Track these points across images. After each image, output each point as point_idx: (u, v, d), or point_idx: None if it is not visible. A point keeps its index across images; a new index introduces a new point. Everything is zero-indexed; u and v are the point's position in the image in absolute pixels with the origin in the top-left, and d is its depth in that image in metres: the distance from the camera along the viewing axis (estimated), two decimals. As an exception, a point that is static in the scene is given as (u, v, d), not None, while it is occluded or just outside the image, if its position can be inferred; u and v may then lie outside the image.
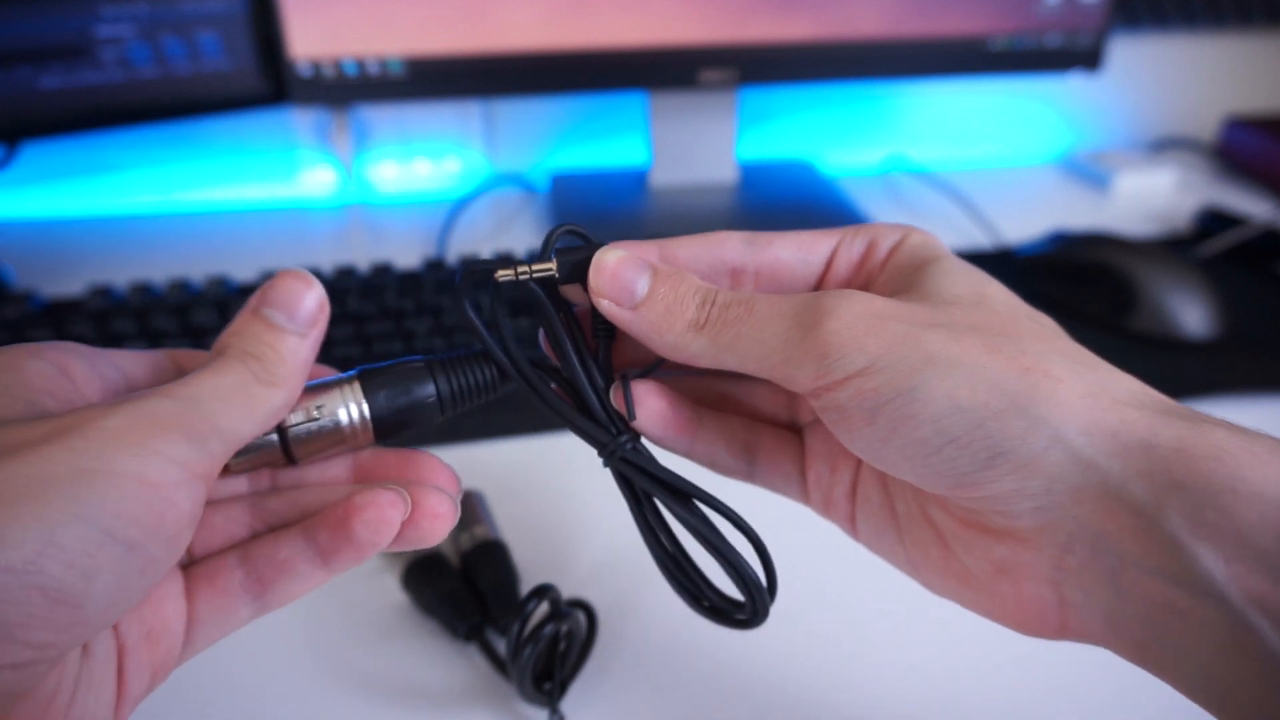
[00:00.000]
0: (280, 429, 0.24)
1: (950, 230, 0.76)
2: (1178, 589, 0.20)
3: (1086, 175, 0.91)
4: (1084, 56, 0.76)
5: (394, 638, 0.38)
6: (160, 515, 0.19)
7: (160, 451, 0.19)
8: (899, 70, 0.74)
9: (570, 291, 0.27)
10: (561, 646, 0.34)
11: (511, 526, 0.43)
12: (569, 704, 0.35)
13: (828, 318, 0.23)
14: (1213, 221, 0.76)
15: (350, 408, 0.25)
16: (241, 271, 0.63)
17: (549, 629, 0.33)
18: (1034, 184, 0.90)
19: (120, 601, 0.19)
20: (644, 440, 0.27)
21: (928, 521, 0.26)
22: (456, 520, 0.25)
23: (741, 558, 0.25)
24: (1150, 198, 0.86)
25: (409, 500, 0.24)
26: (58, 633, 0.18)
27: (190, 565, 0.24)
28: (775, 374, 0.24)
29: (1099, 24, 0.75)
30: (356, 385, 0.25)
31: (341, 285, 0.57)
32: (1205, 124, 0.99)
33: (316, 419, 0.24)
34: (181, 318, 0.54)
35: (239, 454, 0.24)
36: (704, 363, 0.25)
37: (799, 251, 0.27)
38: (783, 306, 0.24)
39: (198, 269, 0.66)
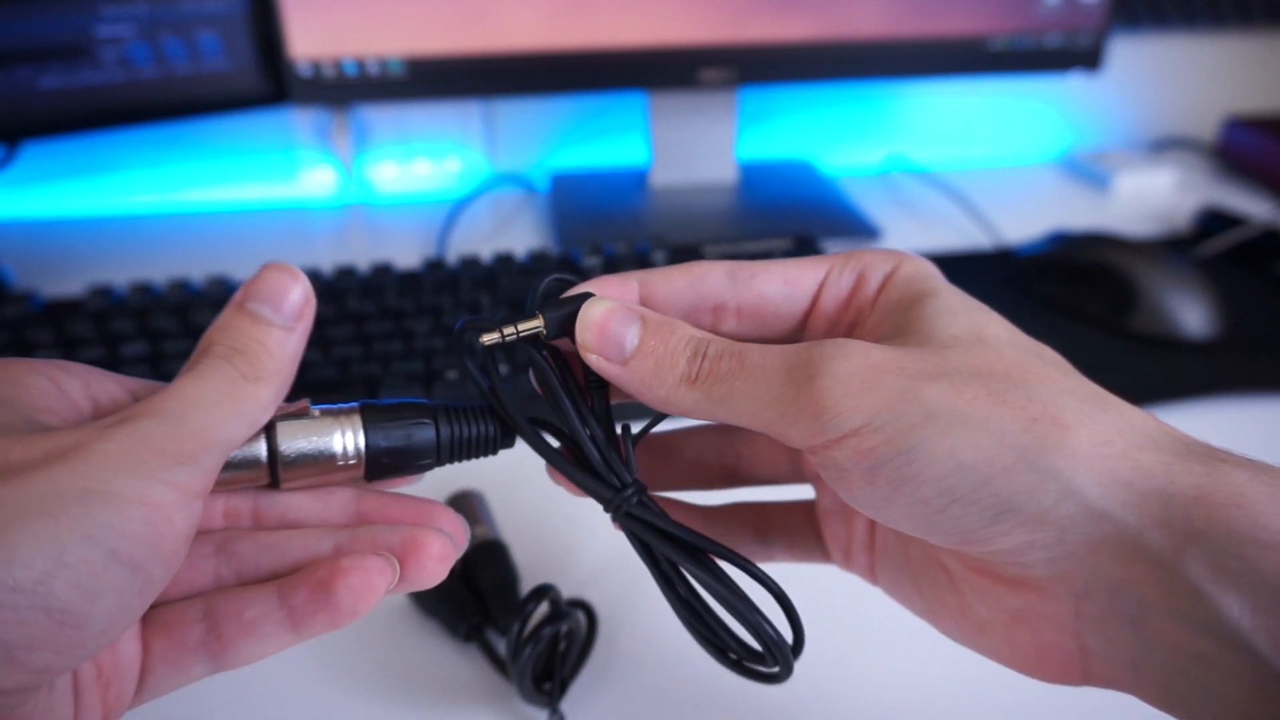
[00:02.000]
0: (271, 448, 0.23)
1: (950, 230, 0.76)
2: (1204, 637, 0.19)
3: (1086, 175, 0.91)
4: (1084, 56, 0.76)
5: (394, 638, 0.38)
6: (160, 535, 0.19)
7: (156, 476, 0.19)
8: (899, 70, 0.74)
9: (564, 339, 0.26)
10: (561, 646, 0.34)
11: (511, 526, 0.43)
12: (569, 704, 0.35)
13: (822, 373, 0.22)
14: (1213, 221, 0.76)
15: (346, 437, 0.24)
16: (241, 271, 0.63)
17: (549, 629, 0.33)
18: (1034, 184, 0.90)
19: (118, 623, 0.19)
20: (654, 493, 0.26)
21: (942, 569, 0.25)
22: (453, 563, 0.24)
23: (759, 616, 0.24)
24: (1150, 198, 0.86)
25: (397, 570, 0.23)
26: (57, 654, 0.18)
27: (149, 611, 0.22)
28: (770, 430, 0.23)
29: (1099, 24, 0.75)
30: (356, 417, 0.24)
31: (341, 285, 0.58)
32: (1205, 124, 0.99)
33: (310, 443, 0.23)
34: (181, 318, 0.54)
35: (224, 469, 0.23)
36: (698, 416, 0.24)
37: (783, 285, 0.26)
38: (775, 360, 0.23)
39: (198, 269, 0.66)
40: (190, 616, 0.22)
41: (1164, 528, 0.20)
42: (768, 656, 0.25)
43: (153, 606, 0.22)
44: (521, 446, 0.26)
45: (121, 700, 0.22)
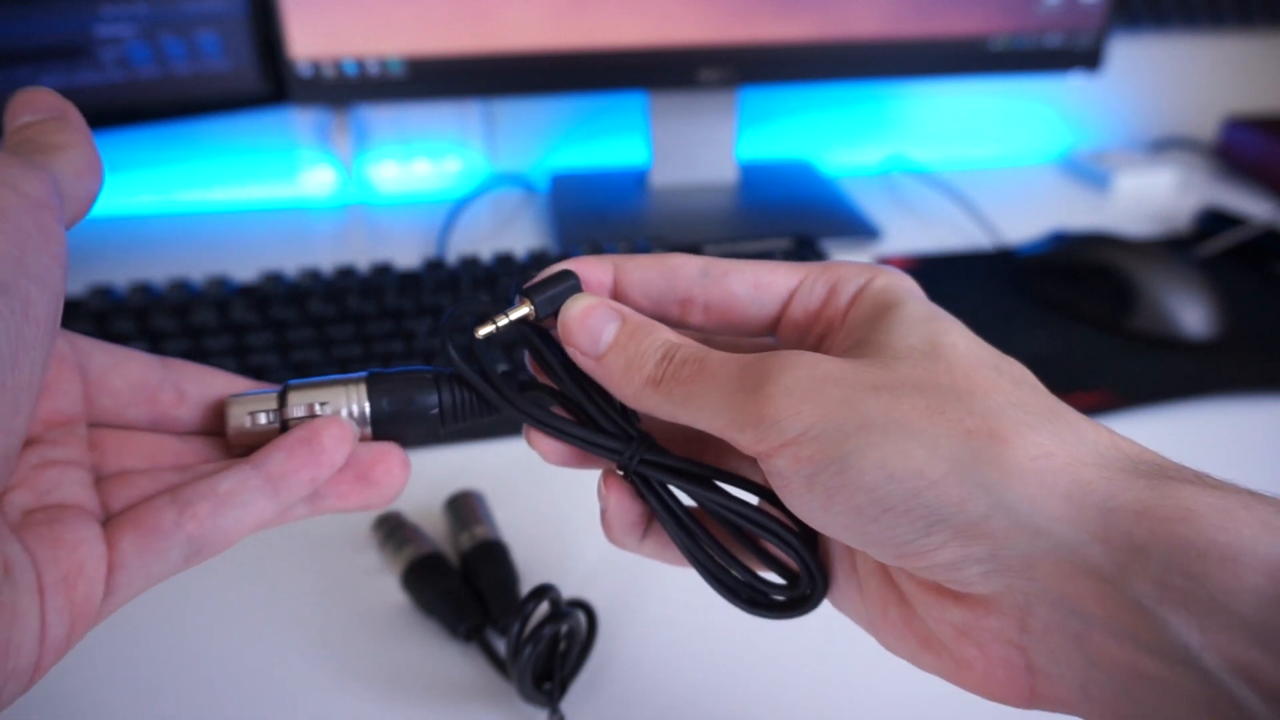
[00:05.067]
0: (283, 419, 0.24)
1: (950, 230, 0.76)
2: (1151, 656, 0.19)
3: (1086, 175, 0.91)
4: (1084, 56, 0.76)
5: (394, 638, 0.38)
6: (21, 246, 0.19)
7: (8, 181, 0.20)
8: (899, 70, 0.74)
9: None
10: (561, 646, 0.34)
11: (511, 526, 0.43)
12: (569, 704, 0.35)
13: (769, 382, 0.22)
14: (1213, 221, 0.76)
15: (353, 407, 0.25)
16: (241, 271, 0.63)
17: (549, 629, 0.33)
18: (1034, 184, 0.90)
19: (17, 359, 0.19)
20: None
21: (889, 581, 0.25)
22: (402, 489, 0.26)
23: (793, 534, 0.25)
24: (1150, 198, 0.86)
25: (355, 434, 0.25)
26: None
27: (110, 517, 0.23)
28: (724, 435, 0.23)
29: (1099, 24, 0.75)
30: (363, 386, 0.25)
31: (341, 285, 0.58)
32: (1205, 124, 0.99)
33: (318, 414, 0.25)
34: (181, 318, 0.54)
35: (239, 441, 0.25)
36: (663, 418, 0.24)
37: (754, 289, 0.26)
38: (731, 367, 0.23)
39: (198, 269, 0.66)
40: (159, 503, 0.23)
41: (1104, 543, 0.19)
42: (803, 576, 0.25)
43: (116, 499, 0.23)
44: (522, 448, 0.26)
45: (90, 602, 0.22)
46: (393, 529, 0.41)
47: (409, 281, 0.58)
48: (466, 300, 0.27)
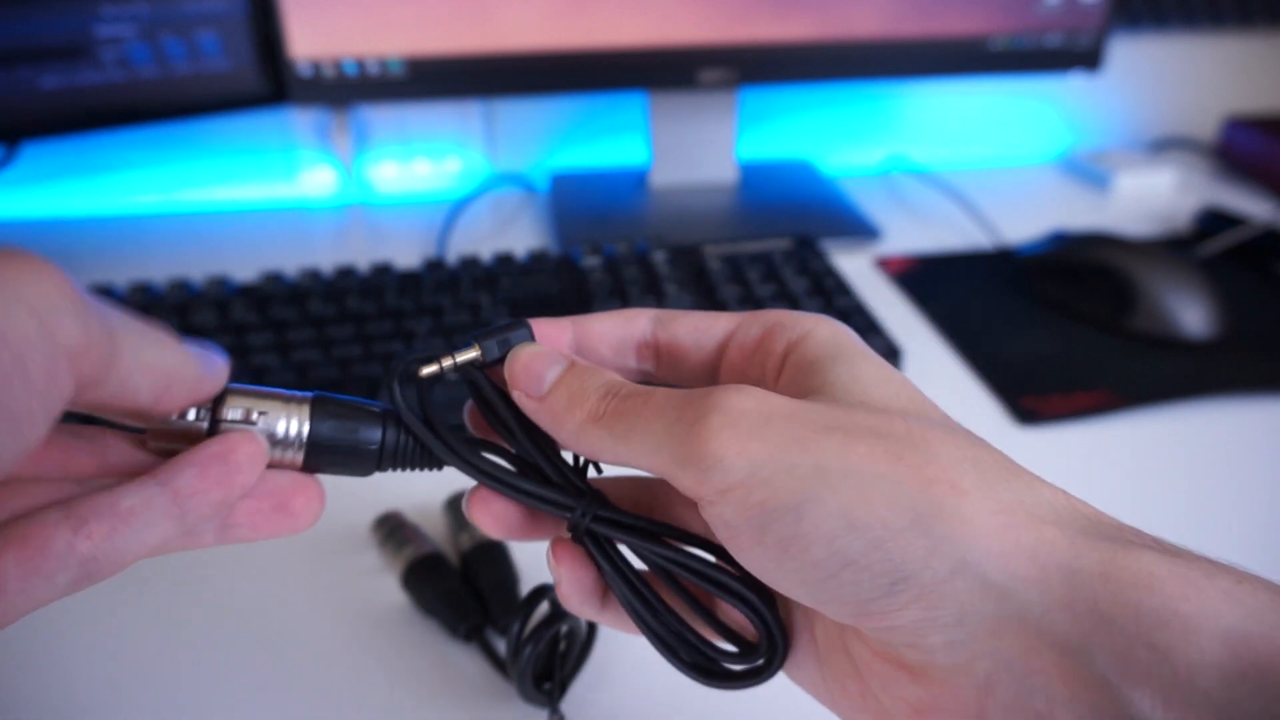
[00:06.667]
0: (214, 419, 0.23)
1: (950, 230, 0.77)
2: None
3: (1086, 175, 0.91)
4: (1084, 56, 0.76)
5: (394, 638, 0.38)
6: (8, 375, 0.17)
7: (20, 293, 0.17)
8: (899, 70, 0.74)
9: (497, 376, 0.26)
10: (561, 646, 0.34)
11: (511, 526, 0.43)
12: (569, 704, 0.35)
13: (711, 413, 0.21)
14: (1213, 221, 0.76)
15: (291, 424, 0.23)
16: (241, 271, 0.63)
17: (549, 629, 0.33)
18: (1034, 184, 0.90)
19: None
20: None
21: (846, 653, 0.23)
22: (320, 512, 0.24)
23: (756, 596, 0.24)
24: (1150, 198, 0.86)
25: (266, 451, 0.23)
26: None
27: None
28: (665, 474, 0.22)
29: (1099, 24, 0.75)
30: (306, 406, 0.24)
31: (341, 285, 0.58)
32: (1205, 124, 0.99)
33: (253, 422, 0.23)
34: (181, 318, 0.54)
35: (158, 434, 0.23)
36: (607, 458, 0.23)
37: (694, 333, 0.26)
38: (675, 399, 0.22)
39: (198, 269, 0.66)
40: (49, 519, 0.20)
41: (1068, 610, 0.19)
42: (762, 640, 0.24)
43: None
44: None
45: None
46: (393, 529, 0.41)
47: (409, 281, 0.58)
48: (418, 348, 0.26)
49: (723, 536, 0.22)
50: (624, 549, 0.25)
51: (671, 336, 0.26)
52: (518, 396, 0.24)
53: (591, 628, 0.36)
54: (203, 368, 0.22)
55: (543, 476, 0.25)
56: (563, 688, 0.34)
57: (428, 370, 0.24)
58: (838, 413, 0.21)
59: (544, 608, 0.33)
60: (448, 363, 0.25)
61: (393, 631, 0.38)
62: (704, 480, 0.21)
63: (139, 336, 0.21)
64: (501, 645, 0.36)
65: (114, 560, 0.20)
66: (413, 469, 0.26)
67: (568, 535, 0.26)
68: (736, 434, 0.20)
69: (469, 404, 0.26)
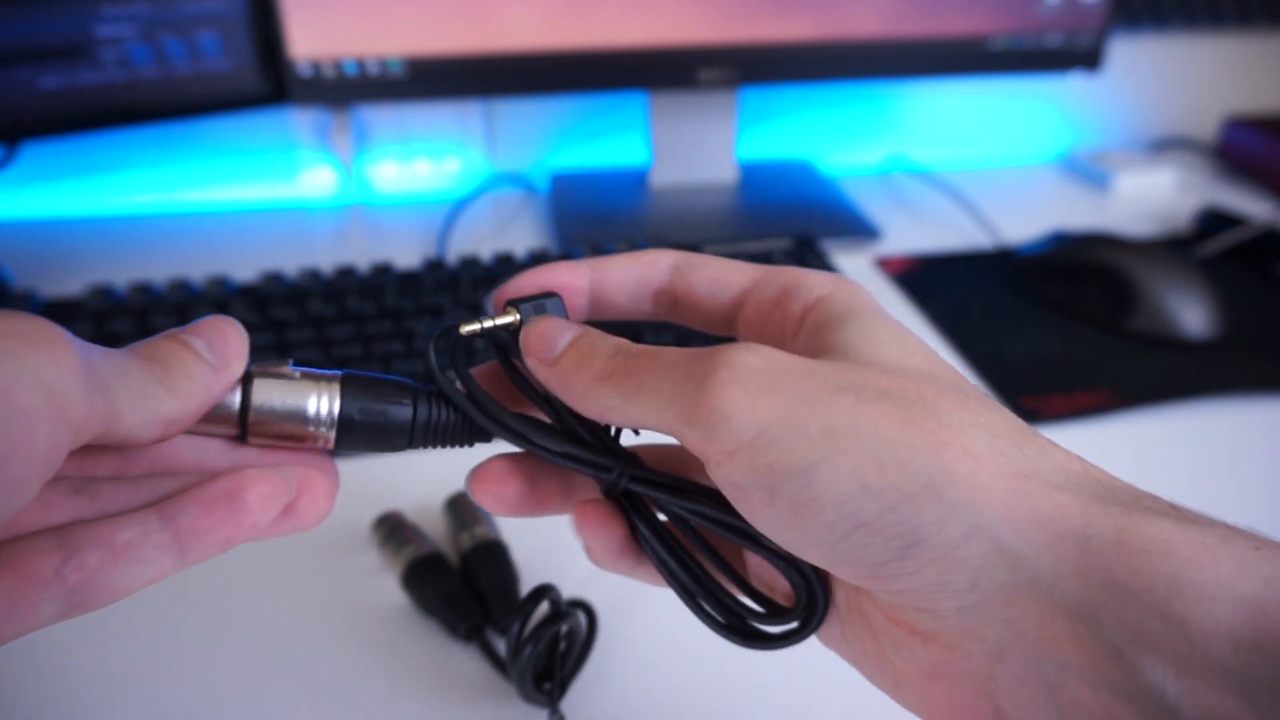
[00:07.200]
0: (244, 400, 0.22)
1: (950, 230, 0.76)
2: (1125, 704, 0.18)
3: (1086, 175, 0.91)
4: (1084, 56, 0.76)
5: (394, 638, 0.38)
6: (11, 444, 0.17)
7: (36, 371, 0.17)
8: (899, 70, 0.74)
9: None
10: (561, 646, 0.34)
11: (511, 526, 0.43)
12: (569, 704, 0.35)
13: (719, 370, 0.20)
14: (1213, 221, 0.76)
15: (322, 401, 0.23)
16: (241, 271, 0.63)
17: (549, 629, 0.33)
18: (1034, 184, 0.90)
19: None
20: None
21: (861, 614, 0.24)
22: (332, 505, 0.24)
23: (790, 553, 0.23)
24: (1150, 198, 0.86)
25: (293, 490, 0.22)
26: None
27: None
28: (674, 433, 0.22)
29: (1099, 24, 0.75)
30: (336, 384, 0.24)
31: (341, 285, 0.58)
32: (1205, 124, 0.99)
33: (284, 402, 0.23)
34: (181, 318, 0.54)
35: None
36: (617, 418, 0.23)
37: (711, 284, 0.26)
38: (684, 355, 0.22)
39: (198, 269, 0.66)
40: (42, 546, 0.19)
41: (1081, 577, 0.19)
42: (801, 599, 0.24)
43: None
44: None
45: None
46: (393, 529, 0.41)
47: (409, 281, 0.58)
48: (449, 316, 0.26)
49: (733, 498, 0.21)
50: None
51: (689, 286, 0.26)
52: (531, 363, 0.24)
53: (591, 628, 0.36)
54: (207, 393, 0.21)
55: (580, 440, 0.25)
56: (563, 688, 0.34)
57: (468, 329, 0.25)
58: (849, 373, 0.21)
59: (544, 608, 0.33)
60: (488, 324, 0.25)
61: (393, 631, 0.38)
62: (711, 438, 0.20)
63: (139, 392, 0.20)
64: (501, 645, 0.36)
65: (106, 592, 0.20)
66: (443, 445, 0.26)
67: (587, 500, 0.26)
68: (745, 391, 0.20)
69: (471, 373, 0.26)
